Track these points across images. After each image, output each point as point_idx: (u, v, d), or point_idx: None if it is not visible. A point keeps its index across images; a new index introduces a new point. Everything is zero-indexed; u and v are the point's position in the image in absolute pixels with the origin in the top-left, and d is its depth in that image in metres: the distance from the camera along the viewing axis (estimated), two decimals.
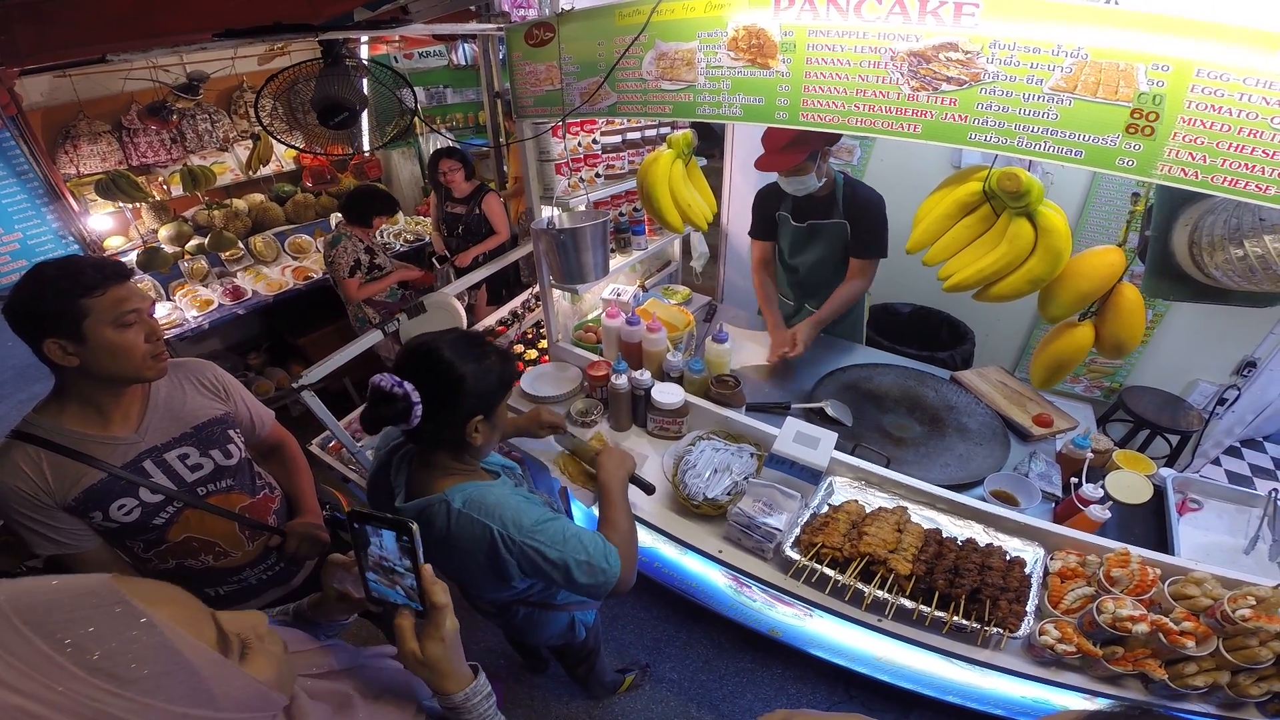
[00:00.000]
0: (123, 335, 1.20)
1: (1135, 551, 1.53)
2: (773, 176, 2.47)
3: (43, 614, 0.50)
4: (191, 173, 3.66)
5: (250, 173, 4.05)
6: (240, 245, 4.00)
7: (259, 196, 4.18)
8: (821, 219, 2.46)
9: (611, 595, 1.33)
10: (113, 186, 3.36)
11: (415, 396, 1.14)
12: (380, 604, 0.89)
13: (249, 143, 4.05)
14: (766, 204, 2.62)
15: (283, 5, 1.47)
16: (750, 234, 2.73)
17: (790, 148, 2.16)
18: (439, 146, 4.23)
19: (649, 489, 1.73)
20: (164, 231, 3.66)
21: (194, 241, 3.75)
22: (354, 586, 0.94)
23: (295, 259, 4.18)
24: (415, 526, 0.83)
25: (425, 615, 0.87)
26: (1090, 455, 1.88)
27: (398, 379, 1.15)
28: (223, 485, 1.48)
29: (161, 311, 3.59)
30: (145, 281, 3.65)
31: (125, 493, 1.31)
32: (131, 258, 3.52)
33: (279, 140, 2.15)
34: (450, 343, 1.21)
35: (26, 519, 1.24)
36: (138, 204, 3.60)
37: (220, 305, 3.74)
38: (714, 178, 2.61)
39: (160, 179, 3.76)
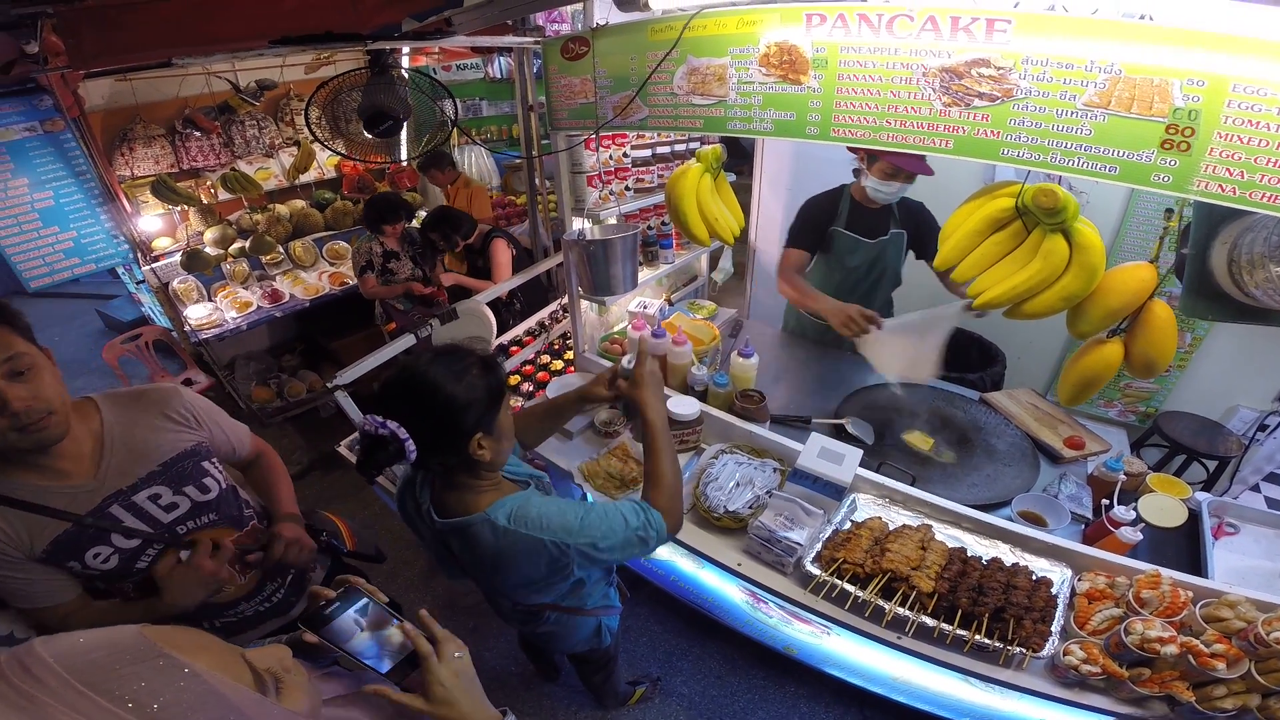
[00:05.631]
0: None
1: (1167, 574, 1.50)
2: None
3: (93, 673, 0.52)
4: (228, 179, 3.79)
5: (292, 179, 4.19)
6: (280, 250, 4.12)
7: (300, 202, 4.31)
8: (883, 234, 2.48)
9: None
10: (160, 188, 3.52)
11: (403, 434, 1.10)
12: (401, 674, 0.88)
13: (293, 149, 4.20)
14: (819, 216, 2.53)
15: (331, 14, 1.54)
16: (791, 243, 2.58)
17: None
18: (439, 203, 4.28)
19: None
20: (209, 234, 3.80)
21: (236, 245, 3.88)
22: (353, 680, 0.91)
23: (332, 265, 4.30)
24: (367, 595, 0.88)
25: (417, 665, 0.87)
26: (1123, 478, 1.83)
27: (380, 420, 1.10)
28: (204, 521, 1.35)
29: (203, 312, 3.72)
30: (188, 281, 3.79)
31: (96, 540, 1.19)
32: (176, 258, 3.66)
33: (326, 147, 2.21)
34: (426, 368, 1.15)
35: None
36: (185, 207, 3.74)
37: (259, 307, 3.87)
38: (743, 194, 2.63)
39: (208, 183, 3.91)
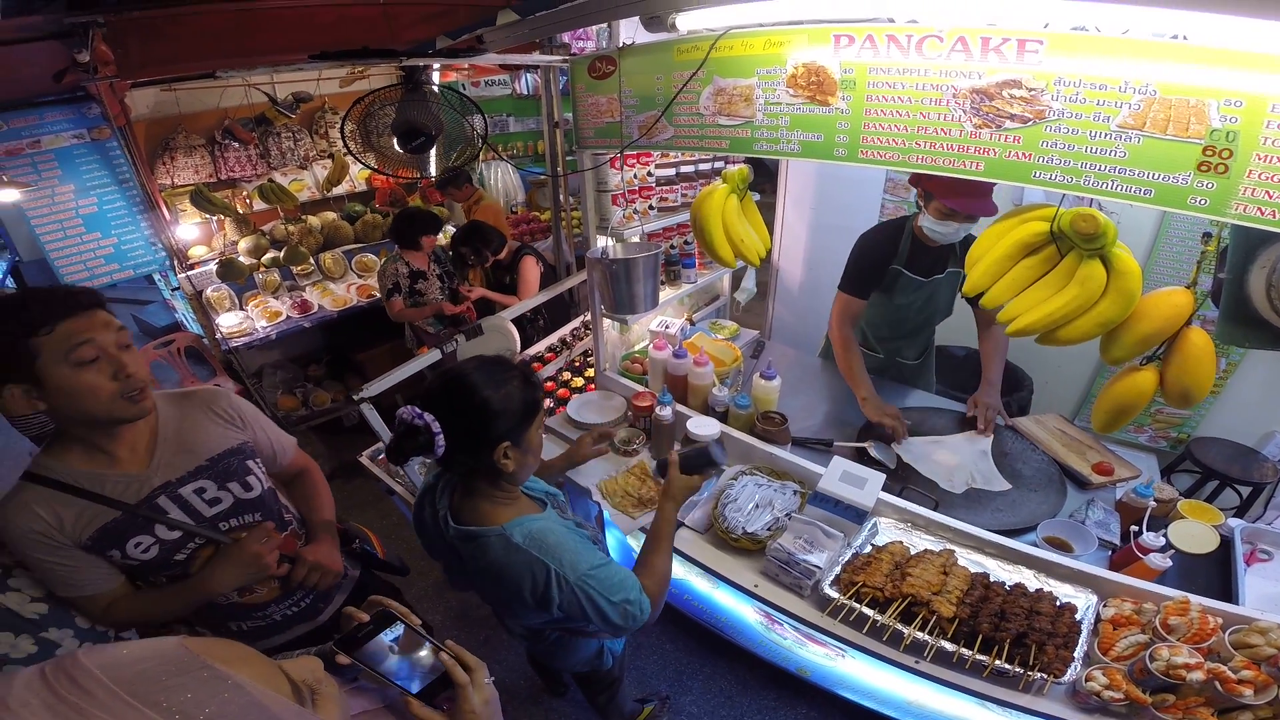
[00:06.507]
0: (80, 376, 1.09)
1: (1195, 600, 1.47)
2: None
3: (140, 684, 0.53)
4: (265, 189, 3.90)
5: (325, 191, 4.29)
6: (311, 261, 4.20)
7: (331, 214, 4.39)
8: (940, 272, 2.31)
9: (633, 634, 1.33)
10: (198, 198, 3.62)
11: (436, 427, 1.14)
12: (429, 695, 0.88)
13: (327, 161, 4.30)
14: (876, 255, 2.29)
15: (367, 30, 1.59)
16: (848, 288, 2.34)
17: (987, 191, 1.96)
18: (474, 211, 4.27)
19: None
20: (243, 243, 3.89)
21: (269, 255, 3.96)
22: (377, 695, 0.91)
23: (360, 277, 4.37)
24: (401, 620, 0.88)
25: (451, 689, 0.87)
26: (1153, 504, 1.79)
27: (418, 411, 1.15)
28: (246, 520, 1.40)
29: (233, 320, 3.80)
30: (221, 290, 3.88)
31: (141, 530, 1.24)
32: (211, 267, 3.75)
33: (358, 160, 2.26)
34: (471, 370, 1.20)
35: (42, 562, 1.18)
36: (222, 216, 3.84)
37: (288, 317, 3.94)
38: (766, 213, 2.62)
39: (244, 193, 4.01)
